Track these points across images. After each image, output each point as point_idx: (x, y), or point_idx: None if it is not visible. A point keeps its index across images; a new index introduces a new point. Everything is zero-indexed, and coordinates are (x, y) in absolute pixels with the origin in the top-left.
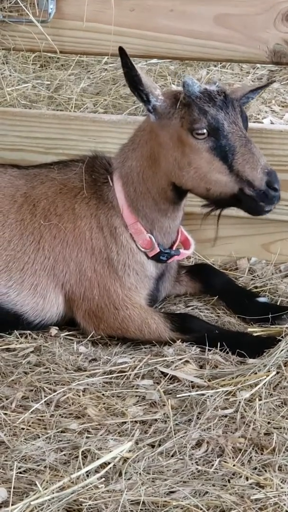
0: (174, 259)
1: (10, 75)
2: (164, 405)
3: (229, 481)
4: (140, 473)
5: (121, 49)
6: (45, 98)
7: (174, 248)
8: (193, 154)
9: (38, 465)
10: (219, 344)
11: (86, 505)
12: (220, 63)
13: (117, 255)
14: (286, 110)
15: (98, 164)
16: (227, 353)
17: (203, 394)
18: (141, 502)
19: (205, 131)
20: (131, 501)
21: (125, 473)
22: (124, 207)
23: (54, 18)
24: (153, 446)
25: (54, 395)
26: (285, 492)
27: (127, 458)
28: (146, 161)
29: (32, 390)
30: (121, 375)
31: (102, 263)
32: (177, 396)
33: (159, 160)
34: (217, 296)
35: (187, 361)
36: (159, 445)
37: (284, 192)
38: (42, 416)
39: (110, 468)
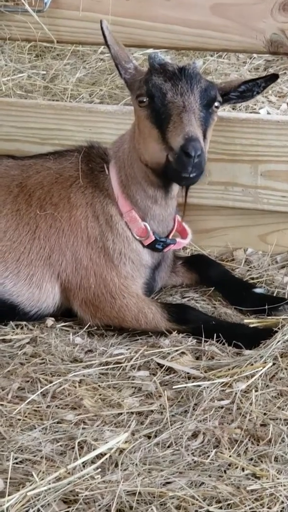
0: (170, 248)
1: (5, 65)
2: (160, 396)
3: (225, 472)
4: (136, 464)
5: (101, 22)
6: (41, 88)
7: (170, 237)
8: (139, 123)
9: (34, 456)
10: (215, 335)
11: (82, 496)
12: (217, 53)
13: (113, 243)
14: (282, 100)
15: (94, 154)
16: (224, 344)
17: (199, 385)
18: (137, 493)
19: (145, 99)
20: (127, 491)
21: (121, 464)
22: (119, 194)
23: (50, 7)
24: (149, 437)
25: (50, 386)
26: (281, 483)
27: (123, 449)
28: (132, 142)
29: (28, 381)
30: (117, 366)
31: (98, 252)
32: (173, 387)
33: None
34: (213, 287)
35: (183, 352)
36: (155, 436)
37: (280, 182)
38: (38, 407)
39: (106, 459)
